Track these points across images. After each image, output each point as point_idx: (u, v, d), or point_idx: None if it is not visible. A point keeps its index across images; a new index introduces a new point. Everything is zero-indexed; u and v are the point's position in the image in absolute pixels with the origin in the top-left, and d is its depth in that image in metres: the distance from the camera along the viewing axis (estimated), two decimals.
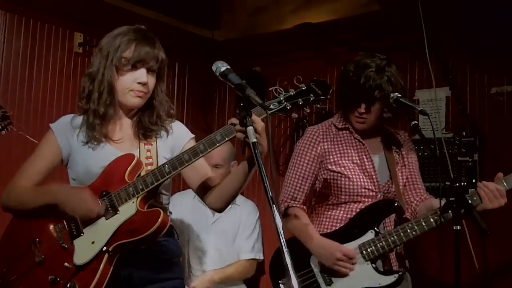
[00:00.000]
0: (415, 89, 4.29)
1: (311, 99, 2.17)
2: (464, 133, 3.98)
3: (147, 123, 2.45)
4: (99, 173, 2.37)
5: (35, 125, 4.15)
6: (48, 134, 2.53)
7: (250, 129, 1.94)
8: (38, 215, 2.40)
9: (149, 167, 2.36)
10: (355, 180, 2.85)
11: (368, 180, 2.86)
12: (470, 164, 3.92)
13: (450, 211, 2.55)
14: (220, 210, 2.48)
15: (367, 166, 2.88)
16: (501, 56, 3.93)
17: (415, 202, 2.91)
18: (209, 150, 2.20)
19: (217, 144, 2.19)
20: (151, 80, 2.41)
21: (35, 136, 3.54)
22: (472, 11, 3.92)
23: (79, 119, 2.48)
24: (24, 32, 4.23)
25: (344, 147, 2.92)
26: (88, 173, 2.39)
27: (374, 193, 2.86)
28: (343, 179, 2.86)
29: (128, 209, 2.27)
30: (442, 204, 2.55)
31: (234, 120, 2.12)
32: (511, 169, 3.86)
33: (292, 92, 2.18)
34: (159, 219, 2.23)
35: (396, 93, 2.73)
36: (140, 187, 2.27)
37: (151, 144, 2.43)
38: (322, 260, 2.80)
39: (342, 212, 2.89)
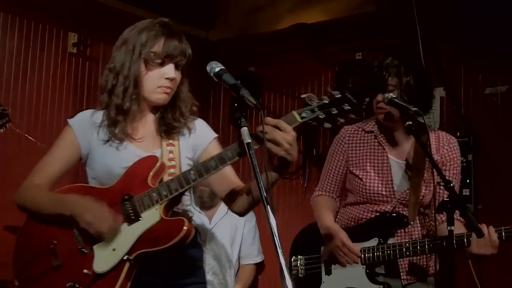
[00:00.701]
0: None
1: (346, 108, 2.01)
2: (458, 134, 3.99)
3: (170, 119, 2.34)
4: (120, 174, 2.25)
5: (29, 125, 4.14)
6: (66, 130, 2.38)
7: (244, 129, 1.92)
8: (53, 222, 2.28)
9: (172, 170, 2.27)
10: (367, 184, 2.87)
11: (383, 186, 2.86)
12: (465, 164, 3.92)
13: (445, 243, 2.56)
14: (242, 215, 2.39)
15: (385, 171, 2.87)
16: (495, 56, 3.95)
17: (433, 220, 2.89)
18: (236, 157, 2.08)
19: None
20: (178, 76, 2.31)
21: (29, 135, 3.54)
22: (466, 12, 3.93)
23: (99, 114, 2.35)
24: (18, 32, 4.22)
25: (366, 150, 2.93)
26: (108, 173, 2.28)
27: (388, 198, 2.86)
28: (358, 181, 2.91)
29: (151, 216, 2.17)
30: (436, 205, 2.55)
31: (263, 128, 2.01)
32: (505, 169, 3.90)
33: (326, 100, 2.02)
34: (184, 228, 2.12)
35: (390, 94, 2.72)
36: (164, 193, 2.16)
37: (174, 145, 2.32)
38: (326, 242, 2.88)
39: (357, 211, 2.94)
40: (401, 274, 2.80)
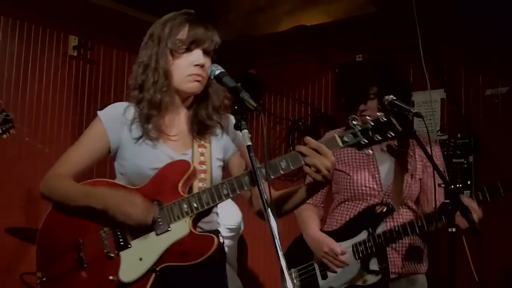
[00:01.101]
0: (410, 91, 4.29)
1: (390, 136, 1.97)
2: (459, 135, 3.99)
3: (203, 116, 2.28)
4: (150, 175, 2.19)
5: (29, 128, 4.14)
6: (95, 122, 2.29)
7: (245, 132, 1.92)
8: (81, 215, 2.20)
9: (202, 175, 2.22)
10: (355, 178, 2.95)
11: (371, 179, 2.94)
12: (465, 166, 3.93)
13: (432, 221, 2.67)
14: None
15: (371, 166, 2.97)
16: (495, 58, 3.94)
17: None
18: (272, 176, 2.00)
19: (281, 172, 2.01)
20: (208, 63, 2.22)
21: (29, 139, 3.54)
22: (466, 13, 3.93)
23: (132, 109, 2.29)
24: (19, 35, 4.23)
25: (351, 149, 2.97)
26: (138, 173, 2.21)
27: (376, 192, 2.94)
28: (345, 176, 2.99)
29: (180, 228, 2.12)
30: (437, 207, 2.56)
31: (303, 149, 1.97)
32: (506, 171, 3.89)
33: (370, 124, 1.99)
34: (214, 245, 2.10)
35: (391, 96, 2.73)
36: (195, 205, 2.11)
37: (205, 147, 2.27)
38: (314, 252, 2.95)
39: (346, 210, 3.00)
40: (390, 267, 2.87)
